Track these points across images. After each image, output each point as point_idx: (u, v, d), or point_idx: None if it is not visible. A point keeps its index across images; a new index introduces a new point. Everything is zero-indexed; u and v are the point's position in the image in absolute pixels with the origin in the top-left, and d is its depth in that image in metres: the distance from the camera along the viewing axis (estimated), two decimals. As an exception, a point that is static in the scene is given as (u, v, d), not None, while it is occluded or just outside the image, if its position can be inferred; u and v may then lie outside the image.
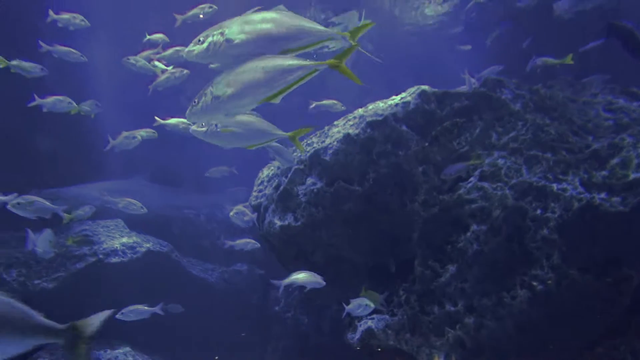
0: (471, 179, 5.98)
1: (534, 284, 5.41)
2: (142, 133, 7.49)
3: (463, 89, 6.78)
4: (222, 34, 3.31)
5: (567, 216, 5.36)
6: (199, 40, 3.44)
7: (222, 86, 3.34)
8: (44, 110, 6.95)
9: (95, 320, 3.06)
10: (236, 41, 3.25)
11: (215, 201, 12.76)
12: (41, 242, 6.65)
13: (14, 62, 6.82)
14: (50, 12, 6.90)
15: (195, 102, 3.52)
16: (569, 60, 6.83)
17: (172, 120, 7.18)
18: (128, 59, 7.57)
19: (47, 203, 6.01)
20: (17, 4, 9.25)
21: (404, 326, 6.07)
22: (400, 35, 12.63)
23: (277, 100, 3.31)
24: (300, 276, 5.71)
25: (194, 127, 3.96)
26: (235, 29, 3.29)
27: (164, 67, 7.97)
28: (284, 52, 3.24)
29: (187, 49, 3.52)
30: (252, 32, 3.24)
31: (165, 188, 11.88)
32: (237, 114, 3.55)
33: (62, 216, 6.29)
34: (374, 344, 6.16)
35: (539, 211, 5.52)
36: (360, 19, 12.59)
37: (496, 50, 9.05)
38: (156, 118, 7.23)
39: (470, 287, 5.72)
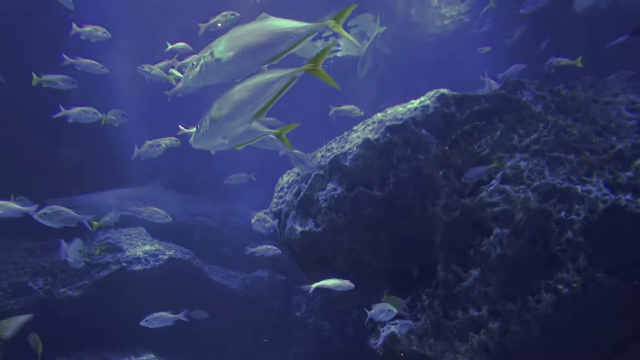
0: (493, 181, 5.92)
1: (560, 287, 5.32)
2: (165, 141, 7.57)
3: (483, 91, 6.74)
4: (211, 54, 3.33)
5: (592, 218, 5.27)
6: (193, 65, 3.46)
7: (216, 110, 3.38)
8: (70, 121, 7.06)
9: (12, 324, 3.07)
10: (224, 59, 3.27)
11: (233, 207, 12.85)
12: (71, 252, 6.77)
13: (45, 78, 6.97)
14: (74, 25, 7.02)
15: (198, 128, 3.55)
16: (578, 62, 6.80)
17: (194, 129, 7.25)
18: (142, 67, 7.68)
19: (72, 212, 6.10)
20: (38, 18, 9.45)
21: (428, 331, 6.02)
22: (416, 38, 12.61)
23: (262, 116, 3.30)
24: (329, 281, 5.71)
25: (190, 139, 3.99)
26: (222, 48, 3.30)
27: (180, 75, 8.07)
28: (273, 59, 3.22)
29: (183, 76, 3.55)
30: (237, 47, 3.24)
31: (182, 195, 11.91)
32: (235, 134, 3.55)
33: (87, 225, 6.37)
34: (397, 349, 6.12)
35: (563, 213, 5.44)
36: (375, 23, 12.63)
37: (516, 51, 8.97)
38: (180, 127, 7.33)
39: (494, 292, 5.65)
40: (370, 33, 12.70)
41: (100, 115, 6.98)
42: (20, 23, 9.15)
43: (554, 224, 5.46)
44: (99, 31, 7.07)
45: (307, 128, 10.12)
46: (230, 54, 3.19)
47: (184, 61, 7.84)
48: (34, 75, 6.94)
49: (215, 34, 8.28)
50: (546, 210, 5.52)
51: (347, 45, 13.37)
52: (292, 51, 3.12)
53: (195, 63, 3.43)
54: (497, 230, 5.72)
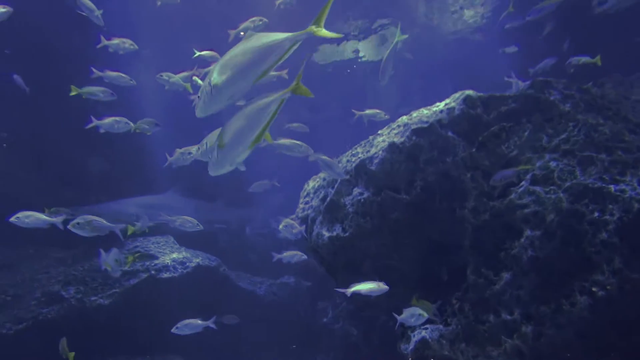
0: (522, 183, 5.83)
1: (594, 289, 5.20)
2: (195, 149, 7.65)
3: (510, 92, 6.66)
4: (209, 83, 3.36)
5: (627, 218, 5.15)
6: (198, 97, 3.51)
7: (220, 139, 3.42)
8: (101, 131, 7.18)
9: None
10: (219, 85, 3.32)
11: (249, 214, 12.87)
12: (109, 262, 6.90)
13: (85, 89, 7.16)
14: (102, 38, 7.16)
15: (209, 158, 3.58)
16: (598, 61, 6.70)
17: None
18: (161, 75, 7.75)
19: (104, 222, 6.20)
20: (66, 31, 9.65)
21: (459, 336, 5.94)
22: (437, 41, 12.54)
23: (259, 141, 3.34)
24: (364, 286, 5.68)
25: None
26: (215, 74, 3.34)
27: (202, 83, 8.17)
28: (263, 74, 3.23)
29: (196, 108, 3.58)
30: (228, 70, 3.28)
31: (198, 202, 11.84)
32: (239, 160, 3.57)
33: (119, 234, 6.46)
34: (428, 354, 6.05)
35: (596, 214, 5.32)
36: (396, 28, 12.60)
37: (540, 51, 8.85)
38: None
39: (527, 295, 5.55)
40: (391, 38, 12.71)
41: (132, 125, 7.08)
42: (49, 36, 9.37)
43: (587, 225, 5.35)
44: (126, 43, 7.20)
45: (328, 132, 10.18)
46: (224, 77, 3.25)
47: (207, 69, 7.92)
48: (72, 87, 7.13)
49: (275, 25, 8.39)
50: (579, 211, 5.41)
51: (367, 50, 13.38)
52: (279, 62, 3.13)
53: (199, 94, 3.47)
54: (528, 232, 5.63)
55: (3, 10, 6.62)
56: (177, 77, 7.88)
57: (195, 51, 7.93)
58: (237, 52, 3.24)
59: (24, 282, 8.61)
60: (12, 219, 6.36)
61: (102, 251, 7.05)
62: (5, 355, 7.71)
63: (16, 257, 9.27)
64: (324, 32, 3.01)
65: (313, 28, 3.01)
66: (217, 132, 3.71)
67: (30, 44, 9.33)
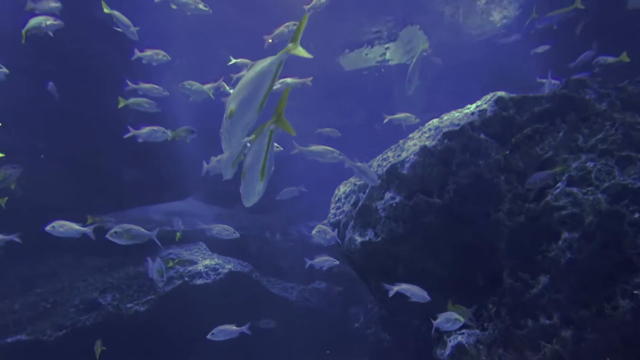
0: (559, 184, 5.72)
1: (636, 292, 5.07)
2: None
3: (543, 92, 6.56)
4: (226, 116, 3.42)
5: (670, 219, 5.02)
6: (221, 132, 3.59)
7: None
8: (139, 140, 7.33)
9: None
10: (231, 116, 3.35)
11: (268, 220, 12.88)
12: (153, 271, 7.08)
13: (131, 100, 7.36)
14: (136, 51, 7.32)
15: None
16: (624, 58, 6.56)
17: None
18: (183, 84, 7.87)
19: (142, 230, 6.32)
20: (97, 44, 9.89)
21: (496, 341, 5.86)
22: (465, 43, 12.43)
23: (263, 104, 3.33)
24: (409, 287, 5.67)
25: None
26: (229, 107, 3.39)
27: (229, 90, 8.31)
28: (263, 101, 3.25)
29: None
30: (236, 101, 3.31)
31: (218, 208, 11.87)
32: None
33: (156, 241, 6.58)
34: (465, 359, 5.98)
35: (637, 215, 5.19)
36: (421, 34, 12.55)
37: (573, 50, 8.68)
38: (248, 145, 7.49)
39: (566, 298, 5.44)
40: (418, 43, 12.66)
41: (169, 133, 7.21)
42: (82, 49, 9.61)
43: (628, 226, 5.22)
44: (159, 55, 7.35)
45: (355, 136, 10.17)
46: (234, 108, 3.29)
47: (239, 74, 7.99)
48: (120, 98, 7.35)
49: (280, 45, 8.50)
50: (618, 212, 5.29)
51: (394, 54, 13.34)
52: (273, 88, 3.18)
53: (221, 130, 3.56)
54: (565, 235, 5.51)
55: (55, 22, 6.81)
56: (198, 85, 7.98)
57: (232, 58, 8.03)
58: (241, 83, 3.31)
59: (63, 289, 8.83)
60: (48, 228, 6.56)
61: (149, 260, 7.21)
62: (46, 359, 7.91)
63: (56, 266, 9.52)
64: (300, 51, 3.04)
65: (290, 46, 3.03)
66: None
67: (65, 57, 9.59)
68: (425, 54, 7.07)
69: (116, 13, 7.01)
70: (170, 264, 8.66)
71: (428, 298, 5.70)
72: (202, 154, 8.25)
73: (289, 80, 8.20)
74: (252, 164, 3.26)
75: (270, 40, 8.10)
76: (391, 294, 5.77)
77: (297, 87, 8.37)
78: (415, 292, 5.71)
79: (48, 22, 6.74)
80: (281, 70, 3.07)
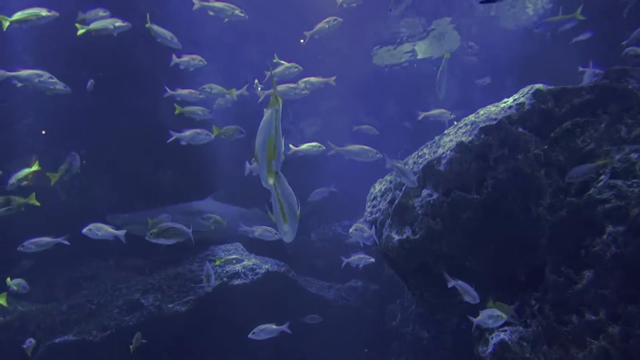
0: (602, 177, 5.58)
1: (687, 287, 4.91)
2: None
3: (583, 83, 6.41)
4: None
5: None
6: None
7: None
8: (183, 143, 7.48)
9: None
10: (256, 159, 3.50)
11: (309, 219, 12.83)
12: (204, 275, 7.29)
13: (187, 109, 7.56)
14: (174, 57, 7.48)
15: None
16: None
17: (305, 146, 7.56)
18: (203, 87, 8.03)
19: (183, 227, 6.44)
20: (133, 51, 10.13)
21: (540, 338, 5.75)
22: (498, 36, 12.23)
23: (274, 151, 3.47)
24: (465, 286, 5.67)
25: None
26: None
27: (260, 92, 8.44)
28: (270, 144, 3.38)
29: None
30: (255, 148, 3.44)
31: (237, 209, 11.66)
32: None
33: (191, 238, 6.69)
34: (508, 357, 5.89)
35: (686, 207, 5.03)
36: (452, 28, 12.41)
37: (612, 37, 8.45)
38: (291, 146, 7.63)
39: (612, 294, 5.30)
40: (449, 37, 12.54)
41: (212, 135, 7.34)
42: (119, 56, 9.86)
43: (677, 219, 5.06)
44: (195, 60, 7.49)
45: (384, 133, 10.13)
46: (255, 152, 3.45)
47: (276, 69, 8.06)
48: (176, 105, 7.54)
49: (320, 41, 8.57)
50: (666, 204, 5.13)
51: (424, 48, 13.24)
52: (278, 130, 3.38)
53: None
54: (610, 229, 5.37)
55: (123, 24, 6.99)
56: (219, 88, 8.06)
57: (276, 56, 8.13)
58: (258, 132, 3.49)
59: (107, 291, 9.08)
60: (85, 231, 6.78)
61: (208, 264, 7.38)
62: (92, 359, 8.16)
63: (98, 268, 9.81)
64: (278, 101, 3.32)
65: (272, 100, 3.34)
66: None
67: (102, 64, 9.87)
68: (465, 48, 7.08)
69: (155, 27, 7.16)
70: (218, 262, 8.82)
71: (478, 300, 5.66)
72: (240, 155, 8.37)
73: (312, 79, 8.25)
74: (260, 142, 3.38)
75: (308, 36, 8.19)
76: (450, 285, 5.76)
77: (320, 87, 8.42)
78: (469, 291, 5.66)
79: (117, 24, 6.93)
80: (280, 115, 3.35)
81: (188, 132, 7.43)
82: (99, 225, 6.95)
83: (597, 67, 6.54)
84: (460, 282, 5.75)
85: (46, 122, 9.97)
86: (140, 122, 10.28)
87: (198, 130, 7.43)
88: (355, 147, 7.12)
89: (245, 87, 8.86)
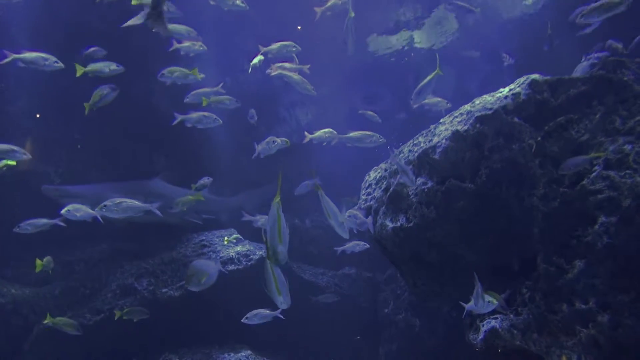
0: (595, 168, 5.62)
1: (677, 277, 4.98)
2: (278, 141, 7.67)
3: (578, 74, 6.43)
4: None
5: None
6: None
7: None
8: (188, 125, 7.38)
9: None
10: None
11: (303, 207, 12.87)
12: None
13: (213, 99, 7.47)
14: (174, 42, 7.40)
15: None
16: None
17: (318, 133, 7.53)
18: (163, 73, 7.63)
19: (136, 202, 6.48)
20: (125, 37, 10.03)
21: (530, 325, 5.82)
22: (495, 26, 12.19)
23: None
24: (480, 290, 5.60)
25: None
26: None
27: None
28: (280, 229, 4.07)
29: None
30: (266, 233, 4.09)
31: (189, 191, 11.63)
32: None
33: (156, 212, 6.75)
34: (499, 344, 5.97)
35: (678, 198, 5.07)
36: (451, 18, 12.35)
37: (605, 30, 8.44)
38: (306, 134, 7.62)
39: (603, 283, 5.36)
40: (447, 24, 12.49)
41: (221, 121, 7.27)
42: (116, 39, 9.76)
43: (668, 210, 5.11)
44: (195, 45, 7.39)
45: (382, 123, 10.12)
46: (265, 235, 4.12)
47: (270, 47, 7.88)
48: (203, 98, 7.47)
49: (315, 29, 8.40)
50: (658, 195, 5.18)
51: (422, 37, 13.19)
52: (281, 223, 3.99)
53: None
54: (602, 219, 5.42)
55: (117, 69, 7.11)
56: (179, 71, 7.72)
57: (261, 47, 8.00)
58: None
59: (100, 275, 9.11)
60: (63, 212, 6.78)
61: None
62: (86, 343, 8.18)
63: (93, 252, 9.80)
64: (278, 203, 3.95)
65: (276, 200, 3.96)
66: None
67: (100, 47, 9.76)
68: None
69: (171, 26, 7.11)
70: (226, 241, 8.91)
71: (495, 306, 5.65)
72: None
73: (287, 65, 8.09)
74: (272, 232, 4.00)
75: (320, 12, 8.06)
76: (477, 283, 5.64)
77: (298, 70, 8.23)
78: (482, 295, 5.61)
79: (112, 67, 6.91)
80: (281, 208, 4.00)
81: (194, 115, 7.34)
82: (78, 206, 6.93)
83: (602, 51, 6.52)
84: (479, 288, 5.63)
85: (39, 105, 9.89)
86: (135, 106, 10.21)
87: (206, 114, 7.33)
88: (357, 134, 7.13)
89: (220, 86, 8.58)
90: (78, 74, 6.92)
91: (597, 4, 5.98)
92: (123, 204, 6.73)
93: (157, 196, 9.22)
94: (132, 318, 7.74)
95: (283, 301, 4.55)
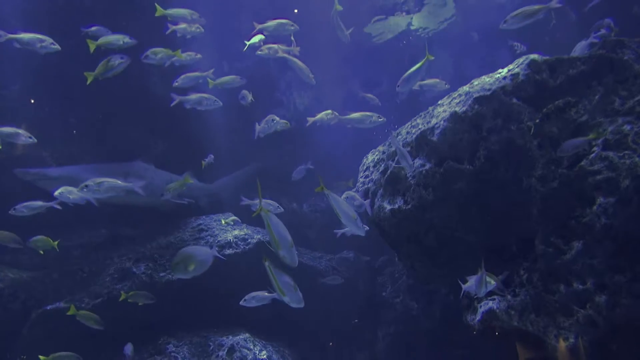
0: (594, 149, 5.58)
1: (674, 257, 4.97)
2: (277, 119, 7.57)
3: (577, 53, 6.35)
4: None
5: None
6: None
7: None
8: (187, 106, 7.27)
9: None
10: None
11: (300, 191, 12.84)
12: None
13: (219, 80, 7.37)
14: (170, 25, 7.28)
15: None
16: None
17: (320, 115, 7.50)
18: (147, 54, 7.40)
19: (118, 182, 6.61)
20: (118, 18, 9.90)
21: (528, 306, 5.83)
22: (489, 6, 12.06)
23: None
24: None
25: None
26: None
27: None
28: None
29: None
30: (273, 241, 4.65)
31: (172, 174, 11.42)
32: None
33: (140, 191, 6.78)
34: (496, 325, 5.98)
35: (677, 178, 5.05)
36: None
37: (604, 9, 8.36)
38: (308, 119, 7.57)
39: (601, 264, 5.36)
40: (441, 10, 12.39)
41: (221, 103, 7.16)
42: (108, 23, 9.66)
43: (667, 190, 5.09)
44: (192, 27, 7.27)
45: (381, 107, 10.06)
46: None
47: (266, 24, 7.73)
48: (209, 80, 7.48)
49: (313, 13, 8.22)
50: (657, 175, 5.15)
51: (420, 19, 13.07)
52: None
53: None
54: (601, 200, 5.40)
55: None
56: (162, 53, 7.54)
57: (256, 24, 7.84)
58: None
59: (99, 259, 9.09)
60: (56, 194, 6.70)
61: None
62: (84, 327, 8.18)
63: (91, 237, 9.78)
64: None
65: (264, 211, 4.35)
66: None
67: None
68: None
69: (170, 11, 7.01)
70: (223, 222, 8.90)
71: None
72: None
73: (274, 46, 7.92)
74: (271, 241, 4.50)
75: None
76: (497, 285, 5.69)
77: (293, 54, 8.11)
78: (486, 279, 5.59)
79: (125, 40, 6.77)
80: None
81: (194, 96, 7.23)
82: (70, 188, 6.87)
83: (605, 29, 6.44)
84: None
85: (34, 89, 9.79)
86: (131, 90, 10.11)
87: (205, 95, 7.21)
88: (357, 115, 7.07)
89: (210, 71, 8.44)
90: (91, 50, 6.74)
91: None
92: (105, 184, 6.63)
93: (137, 178, 9.12)
94: (137, 301, 7.72)
95: (290, 300, 4.64)
